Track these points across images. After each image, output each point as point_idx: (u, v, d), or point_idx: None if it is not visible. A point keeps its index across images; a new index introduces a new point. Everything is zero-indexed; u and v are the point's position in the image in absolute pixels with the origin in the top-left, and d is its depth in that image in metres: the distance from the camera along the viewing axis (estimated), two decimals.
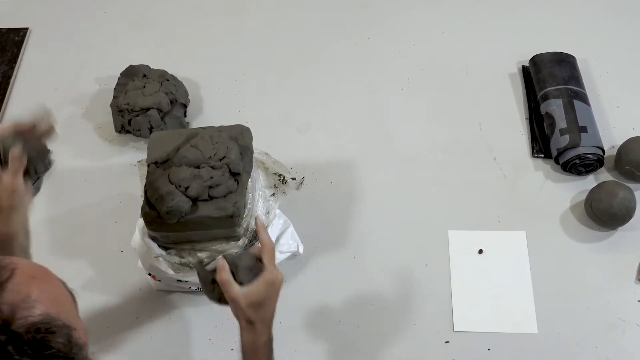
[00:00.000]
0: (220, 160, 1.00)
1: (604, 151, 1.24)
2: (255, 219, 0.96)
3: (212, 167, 0.99)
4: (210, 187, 0.99)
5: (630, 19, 1.49)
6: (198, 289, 1.11)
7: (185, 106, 1.34)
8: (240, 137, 1.05)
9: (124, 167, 1.29)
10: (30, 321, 0.57)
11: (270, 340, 0.88)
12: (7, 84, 1.44)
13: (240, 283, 0.85)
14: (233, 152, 1.01)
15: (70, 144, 1.34)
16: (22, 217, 0.89)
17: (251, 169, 1.05)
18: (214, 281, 0.88)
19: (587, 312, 1.11)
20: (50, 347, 0.57)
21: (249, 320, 0.85)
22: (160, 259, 1.05)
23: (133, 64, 1.36)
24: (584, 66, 1.39)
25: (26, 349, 0.55)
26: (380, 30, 1.50)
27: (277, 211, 1.11)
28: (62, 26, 1.55)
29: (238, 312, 0.86)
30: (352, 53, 1.47)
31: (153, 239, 1.04)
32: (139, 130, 1.29)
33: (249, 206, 1.04)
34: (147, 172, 1.03)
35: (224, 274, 0.86)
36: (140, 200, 1.03)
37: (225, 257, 0.88)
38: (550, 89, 1.31)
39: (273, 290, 0.87)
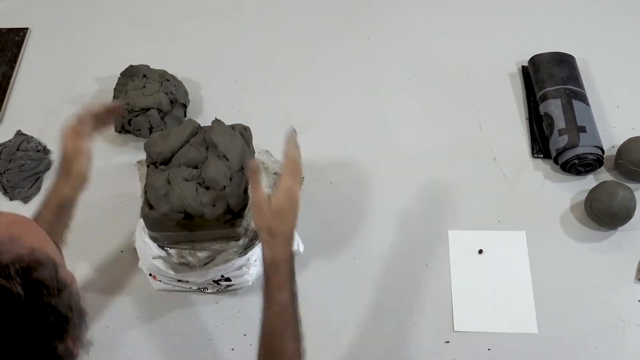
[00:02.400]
0: None
1: (603, 151, 1.24)
2: (288, 135, 0.93)
3: None
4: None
5: (630, 19, 1.49)
6: (198, 288, 1.12)
7: (185, 106, 1.34)
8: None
9: (124, 167, 1.29)
10: (16, 252, 0.60)
11: (291, 258, 0.87)
12: (7, 84, 1.44)
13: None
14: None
15: None
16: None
17: None
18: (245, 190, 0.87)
19: (587, 312, 1.11)
20: (36, 277, 0.59)
21: (270, 230, 0.86)
22: (160, 259, 1.05)
23: (133, 64, 1.36)
24: (584, 66, 1.39)
25: (15, 277, 0.58)
26: (380, 30, 1.50)
27: None
28: (62, 26, 1.55)
29: (261, 220, 0.86)
30: (352, 53, 1.47)
31: (153, 239, 1.04)
32: (139, 130, 1.29)
33: (249, 206, 1.04)
34: (147, 172, 1.03)
35: (258, 176, 0.86)
36: (140, 200, 1.03)
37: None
38: (548, 89, 1.31)
39: (291, 201, 0.88)
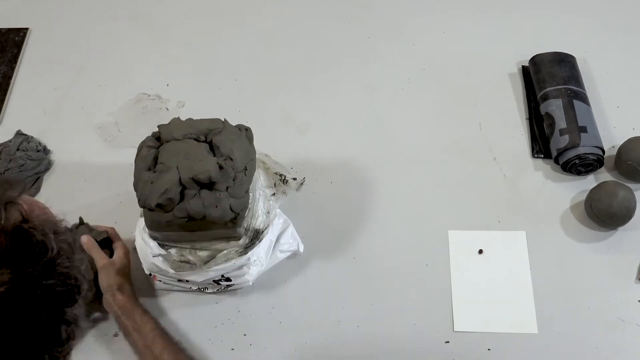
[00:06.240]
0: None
1: (603, 151, 1.24)
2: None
3: None
4: None
5: (630, 19, 1.49)
6: (199, 288, 1.12)
7: None
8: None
9: (124, 167, 1.29)
10: (47, 218, 0.65)
11: (133, 298, 1.05)
12: (7, 84, 1.44)
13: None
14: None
15: (71, 144, 1.34)
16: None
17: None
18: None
19: (587, 312, 1.11)
20: (63, 238, 0.64)
21: (119, 286, 1.04)
22: (161, 258, 1.05)
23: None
24: (584, 66, 1.39)
25: (49, 235, 0.62)
26: (380, 29, 1.50)
27: (278, 210, 1.12)
28: (62, 26, 1.55)
29: (110, 279, 1.04)
30: (352, 53, 1.47)
31: (154, 238, 1.04)
32: None
33: (249, 206, 1.04)
34: None
35: (93, 248, 1.07)
36: None
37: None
38: (550, 89, 1.31)
39: (129, 261, 1.09)
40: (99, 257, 1.07)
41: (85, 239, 1.07)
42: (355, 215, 1.23)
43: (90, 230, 1.12)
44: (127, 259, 1.09)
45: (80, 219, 1.15)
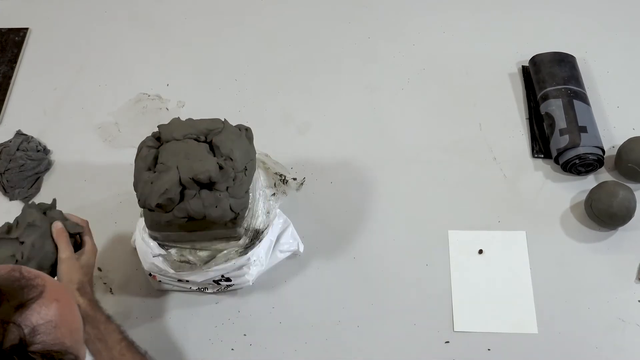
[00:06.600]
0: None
1: (603, 151, 1.24)
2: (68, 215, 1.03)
3: None
4: None
5: (630, 19, 1.49)
6: (198, 288, 1.12)
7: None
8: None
9: (124, 167, 1.29)
10: (47, 348, 0.60)
11: (100, 307, 0.97)
12: (7, 84, 1.44)
13: None
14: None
15: (71, 144, 1.34)
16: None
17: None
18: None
19: (587, 312, 1.11)
20: None
21: (81, 282, 0.95)
22: (161, 258, 1.05)
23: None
24: (584, 66, 1.39)
25: None
26: (380, 30, 1.50)
27: (278, 210, 1.12)
28: (62, 26, 1.55)
29: (72, 274, 0.95)
30: (352, 53, 1.47)
31: (154, 238, 1.04)
32: None
33: (249, 206, 1.04)
34: None
35: (63, 237, 0.97)
36: None
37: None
38: (550, 89, 1.31)
39: (94, 259, 1.01)
40: (65, 248, 0.97)
41: (58, 227, 0.98)
42: (355, 215, 1.23)
43: (64, 219, 1.01)
44: (93, 258, 1.00)
45: (54, 201, 1.05)
